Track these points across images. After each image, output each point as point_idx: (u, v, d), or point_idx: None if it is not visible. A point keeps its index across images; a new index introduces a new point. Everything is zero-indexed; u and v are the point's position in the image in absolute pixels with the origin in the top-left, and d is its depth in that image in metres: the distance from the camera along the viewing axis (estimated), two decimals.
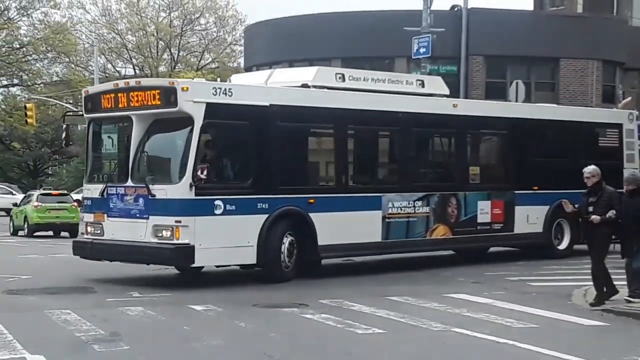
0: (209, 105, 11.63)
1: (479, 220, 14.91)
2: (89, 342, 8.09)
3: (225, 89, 11.98)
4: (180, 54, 49.35)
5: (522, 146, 15.80)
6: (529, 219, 15.63)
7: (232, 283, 12.46)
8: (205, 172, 11.32)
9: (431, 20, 24.42)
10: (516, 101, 23.90)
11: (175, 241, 11.48)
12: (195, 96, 11.63)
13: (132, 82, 12.81)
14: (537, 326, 8.98)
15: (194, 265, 11.79)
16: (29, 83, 46.83)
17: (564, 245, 16.22)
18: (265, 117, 12.27)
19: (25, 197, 26.77)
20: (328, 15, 30.89)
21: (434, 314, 9.65)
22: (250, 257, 12.03)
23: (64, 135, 13.14)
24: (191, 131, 11.55)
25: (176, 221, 11.48)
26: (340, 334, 8.61)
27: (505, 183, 15.58)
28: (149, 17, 49.03)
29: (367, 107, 13.52)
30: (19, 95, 48.19)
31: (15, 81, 47.65)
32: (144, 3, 48.79)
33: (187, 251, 11.47)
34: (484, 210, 14.99)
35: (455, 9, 29.72)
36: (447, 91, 15.31)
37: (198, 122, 11.54)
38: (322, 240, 12.64)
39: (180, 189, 11.51)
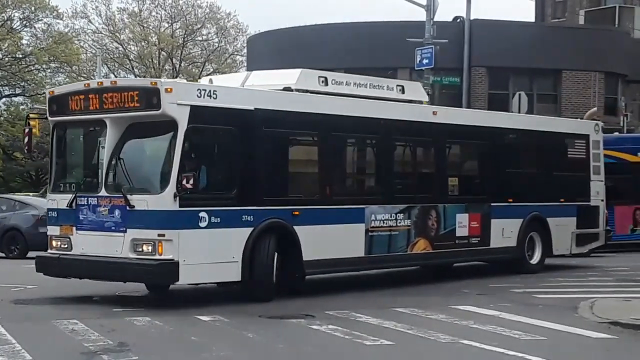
0: (193, 108, 10.67)
1: (457, 234, 14.23)
2: (97, 352, 8.08)
3: (209, 91, 11.03)
4: (182, 64, 49.47)
5: (498, 156, 15.23)
6: (504, 232, 15.07)
7: (235, 293, 12.40)
8: (191, 182, 10.41)
9: (434, 32, 24.52)
10: (519, 112, 23.98)
11: (157, 257, 10.51)
12: (179, 98, 10.67)
13: (107, 82, 11.74)
14: (545, 338, 8.97)
15: (178, 283, 10.88)
16: (31, 93, 46.91)
17: (535, 259, 15.79)
18: (250, 122, 11.36)
19: None
20: (331, 26, 31.04)
21: (441, 326, 9.64)
22: (235, 274, 11.09)
23: (26, 140, 11.16)
24: (174, 136, 10.58)
25: (159, 235, 10.51)
26: (349, 345, 8.60)
27: (482, 195, 14.90)
28: (151, 27, 49.24)
29: (352, 113, 12.76)
30: (22, 104, 48.28)
31: (18, 91, 47.74)
32: (146, 14, 49.08)
33: (171, 268, 10.51)
34: (462, 224, 14.33)
35: (458, 20, 29.84)
36: (426, 98, 14.86)
37: (182, 127, 10.57)
38: (307, 256, 11.80)
39: (164, 200, 10.52)
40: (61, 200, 11.53)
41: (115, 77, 49.89)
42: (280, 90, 12.19)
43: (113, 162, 11.01)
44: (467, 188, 14.70)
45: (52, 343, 8.68)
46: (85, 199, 11.23)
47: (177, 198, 10.47)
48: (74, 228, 11.33)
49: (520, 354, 8.00)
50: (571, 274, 16.03)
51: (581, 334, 9.22)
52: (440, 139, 14.28)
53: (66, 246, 11.48)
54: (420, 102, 14.37)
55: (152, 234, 10.56)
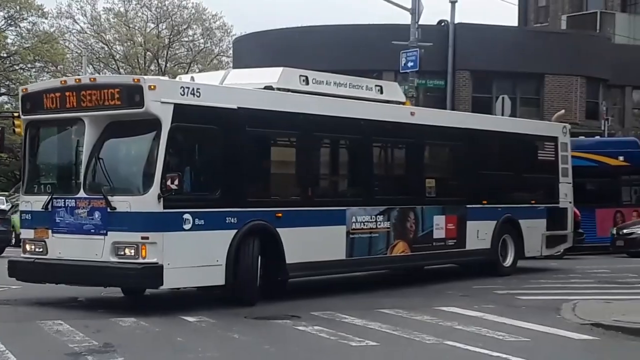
0: (176, 107, 10.34)
1: (434, 236, 14.10)
2: (82, 353, 8.06)
3: (193, 89, 10.68)
4: (168, 65, 49.42)
5: (473, 158, 15.13)
6: (479, 234, 14.99)
7: (220, 294, 12.38)
8: (176, 182, 10.10)
9: (419, 35, 24.66)
10: (502, 115, 24.15)
11: (141, 260, 10.14)
12: (162, 96, 10.32)
13: (85, 80, 11.16)
14: (528, 340, 9.05)
15: (162, 288, 10.49)
16: (16, 92, 46.66)
17: (508, 262, 15.73)
18: (233, 122, 11.07)
19: (12, 207, 26.60)
20: (317, 28, 31.12)
21: (426, 327, 9.70)
22: (219, 278, 10.77)
23: None
24: (158, 136, 10.22)
25: (142, 237, 10.14)
26: (334, 346, 8.63)
27: (458, 197, 14.76)
28: (137, 27, 49.14)
29: (335, 113, 12.59)
30: (6, 103, 48.00)
31: (3, 90, 47.47)
32: (132, 14, 48.98)
33: (155, 271, 10.15)
34: (439, 226, 14.19)
35: (443, 24, 30.04)
36: (403, 98, 14.69)
37: (166, 126, 10.23)
38: (290, 258, 11.57)
39: (147, 201, 10.15)
40: (35, 202, 11.09)
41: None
42: (262, 89, 11.94)
43: (92, 163, 10.63)
44: (443, 189, 14.59)
45: (36, 344, 8.66)
46: (62, 200, 10.81)
47: (161, 199, 10.13)
48: (50, 231, 10.89)
49: (504, 355, 8.06)
50: (552, 275, 16.17)
51: (564, 335, 9.30)
52: (418, 140, 14.17)
53: (41, 250, 11.04)
54: (398, 103, 14.23)
55: (135, 236, 10.20)
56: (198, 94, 10.73)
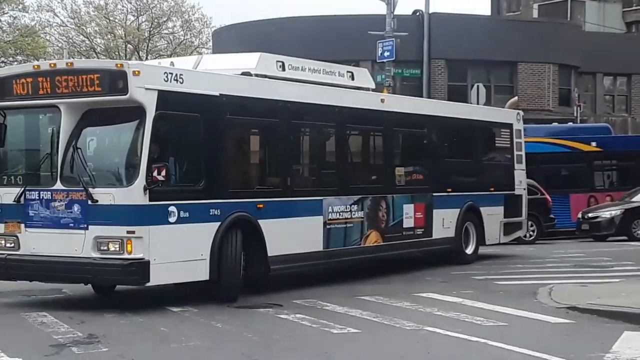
0: (160, 93, 9.86)
1: (404, 225, 13.95)
2: (67, 344, 8.11)
3: (176, 75, 10.20)
4: (149, 57, 49.22)
5: (438, 145, 15.16)
6: (444, 222, 14.90)
7: (202, 285, 12.41)
8: (163, 173, 9.60)
9: (395, 25, 24.82)
10: (477, 104, 24.39)
11: (126, 255, 9.64)
12: (146, 82, 9.80)
13: (61, 64, 10.39)
14: (506, 324, 9.24)
15: (148, 284, 10.00)
16: None
17: (470, 249, 15.72)
18: (215, 109, 10.65)
19: None
20: (295, 19, 31.21)
21: (406, 313, 9.87)
22: (203, 273, 10.40)
23: None
24: (142, 124, 9.73)
25: (128, 232, 9.64)
26: (316, 334, 8.76)
27: (425, 185, 14.65)
28: (117, 20, 48.97)
29: (313, 100, 12.32)
30: None
31: None
32: (112, 7, 48.88)
33: (142, 267, 9.67)
34: (409, 215, 14.03)
35: (417, 13, 30.24)
36: (373, 85, 14.45)
37: (150, 113, 9.73)
38: (271, 251, 11.27)
39: (133, 193, 9.67)
40: (5, 195, 10.46)
41: None
42: (239, 75, 11.55)
43: (70, 153, 10.03)
44: (411, 178, 14.46)
45: (20, 335, 8.69)
46: (37, 192, 10.21)
47: (147, 191, 9.68)
48: (23, 225, 10.27)
49: (482, 340, 8.24)
50: (529, 260, 16.41)
51: (540, 319, 9.50)
52: (388, 128, 13.98)
53: (12, 245, 10.39)
54: (368, 89, 13.95)
55: (120, 230, 9.70)
56: (181, 80, 10.27)
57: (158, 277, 9.92)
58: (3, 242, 10.48)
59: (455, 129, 15.75)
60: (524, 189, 17.38)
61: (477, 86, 26.01)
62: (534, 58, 31.80)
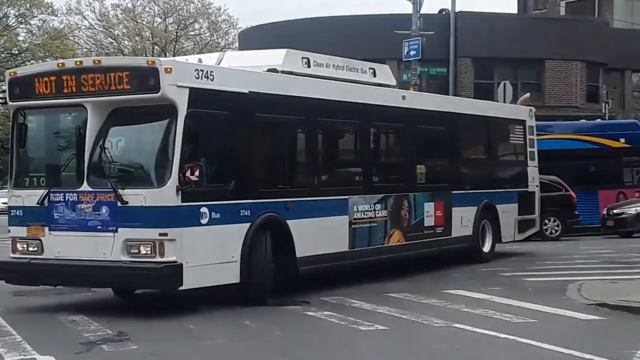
0: (192, 91, 9.57)
1: (425, 224, 13.72)
2: (97, 342, 8.19)
3: (207, 72, 9.92)
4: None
5: (458, 143, 15.04)
6: (462, 221, 14.69)
7: (232, 285, 12.45)
8: (197, 173, 9.27)
9: (420, 24, 24.81)
10: (504, 102, 24.24)
11: (158, 259, 9.28)
12: (178, 79, 9.49)
13: (88, 62, 10.11)
14: (536, 321, 9.17)
15: (181, 288, 9.54)
16: None
17: (487, 247, 15.54)
18: (245, 107, 10.38)
19: None
20: (321, 19, 31.40)
21: (434, 310, 9.82)
22: (235, 275, 10.08)
23: None
24: (173, 123, 9.40)
25: (161, 234, 9.28)
26: (344, 331, 8.75)
27: (445, 183, 14.48)
28: (144, 22, 49.66)
29: (342, 98, 12.12)
30: None
31: None
32: (140, 9, 49.59)
33: (175, 271, 9.29)
34: (429, 213, 13.82)
35: (444, 12, 30.21)
36: (394, 82, 14.07)
37: (182, 112, 9.41)
38: (300, 252, 10.98)
39: (165, 194, 9.32)
40: (27, 197, 10.07)
41: None
42: (265, 72, 11.26)
43: (97, 153, 9.71)
44: (432, 176, 14.25)
45: (52, 334, 8.79)
46: (62, 194, 9.83)
47: (180, 192, 9.34)
48: (47, 228, 9.88)
49: (512, 337, 8.17)
50: (557, 257, 16.27)
51: (570, 316, 9.42)
52: (409, 125, 13.75)
53: (36, 249, 9.98)
54: (389, 86, 13.74)
55: (152, 233, 9.31)
56: (212, 77, 9.96)
57: (190, 280, 9.54)
58: (26, 246, 10.08)
59: (471, 126, 15.60)
60: (537, 186, 17.27)
61: (504, 84, 25.84)
62: (561, 55, 31.58)
